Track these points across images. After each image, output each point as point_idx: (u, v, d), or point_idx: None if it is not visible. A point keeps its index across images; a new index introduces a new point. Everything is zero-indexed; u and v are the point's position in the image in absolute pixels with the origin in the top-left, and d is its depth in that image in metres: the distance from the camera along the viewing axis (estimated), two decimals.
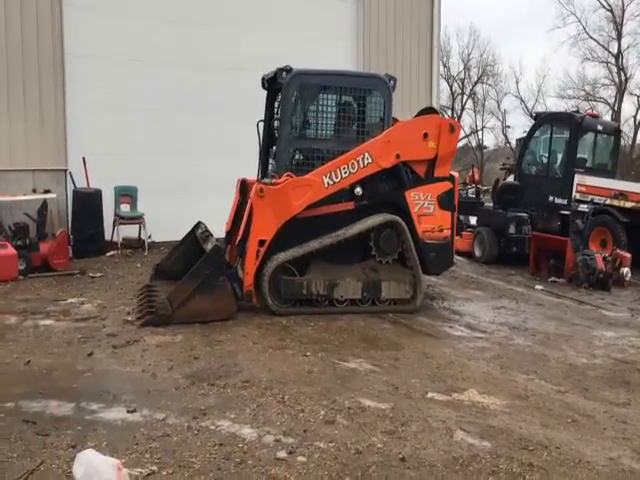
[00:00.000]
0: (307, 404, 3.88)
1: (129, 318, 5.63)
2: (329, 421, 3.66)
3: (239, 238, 6.09)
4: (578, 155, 10.04)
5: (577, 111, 10.96)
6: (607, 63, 33.32)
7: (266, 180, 6.27)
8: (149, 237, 9.10)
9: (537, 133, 10.81)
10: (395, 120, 6.70)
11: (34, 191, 8.47)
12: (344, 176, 6.12)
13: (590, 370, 4.87)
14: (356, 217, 6.24)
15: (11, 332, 5.21)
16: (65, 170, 8.89)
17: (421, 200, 6.41)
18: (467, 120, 37.10)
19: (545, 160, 10.59)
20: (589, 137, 10.37)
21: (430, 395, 4.15)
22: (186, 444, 3.32)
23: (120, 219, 8.89)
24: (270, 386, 4.14)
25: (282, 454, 3.24)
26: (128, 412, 3.68)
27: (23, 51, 8.51)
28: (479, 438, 3.53)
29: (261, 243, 5.87)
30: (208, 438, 3.38)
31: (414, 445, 3.41)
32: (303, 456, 3.22)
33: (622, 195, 9.54)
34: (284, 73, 6.30)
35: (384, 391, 4.17)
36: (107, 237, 8.91)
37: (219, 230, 6.77)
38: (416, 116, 6.78)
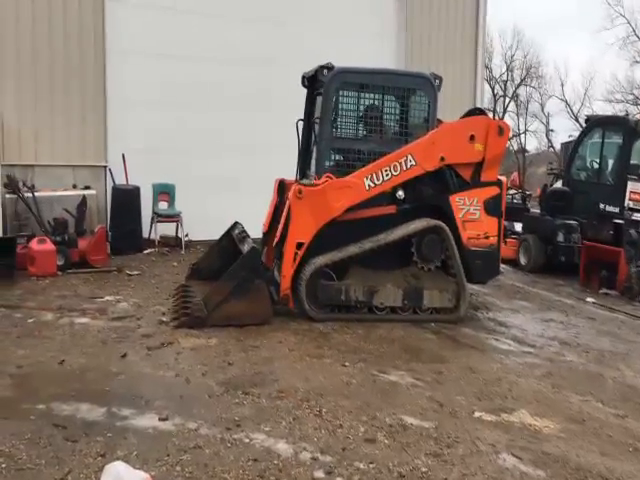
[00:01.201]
0: (346, 419, 3.67)
1: (164, 319, 5.54)
2: (369, 439, 3.45)
3: (276, 240, 5.93)
4: (632, 161, 9.50)
5: (627, 115, 10.41)
6: None
7: (305, 181, 6.09)
8: (186, 235, 9.06)
9: (588, 137, 10.30)
10: (439, 121, 6.43)
11: (74, 187, 8.52)
12: (386, 178, 5.90)
13: None
14: (398, 221, 6.00)
15: (47, 329, 5.18)
16: (105, 166, 8.92)
17: (466, 205, 6.13)
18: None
19: (596, 166, 10.08)
20: None
21: (477, 414, 3.88)
22: (219, 458, 3.15)
23: (158, 217, 8.87)
24: (307, 397, 3.95)
25: (319, 474, 3.04)
26: (160, 420, 3.54)
27: (65, 46, 8.57)
28: (532, 466, 3.26)
29: (299, 246, 5.69)
30: (242, 452, 3.21)
31: (461, 470, 3.16)
32: (342, 477, 3.02)
33: None
34: (325, 71, 6.11)
35: (428, 408, 3.93)
36: (145, 235, 8.91)
37: (256, 231, 6.63)
38: (463, 117, 6.49)
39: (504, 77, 36.57)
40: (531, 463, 3.29)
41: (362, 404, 3.91)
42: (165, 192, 9.08)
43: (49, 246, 7.12)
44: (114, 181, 8.85)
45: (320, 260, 5.74)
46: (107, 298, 6.26)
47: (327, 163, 6.21)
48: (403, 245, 6.00)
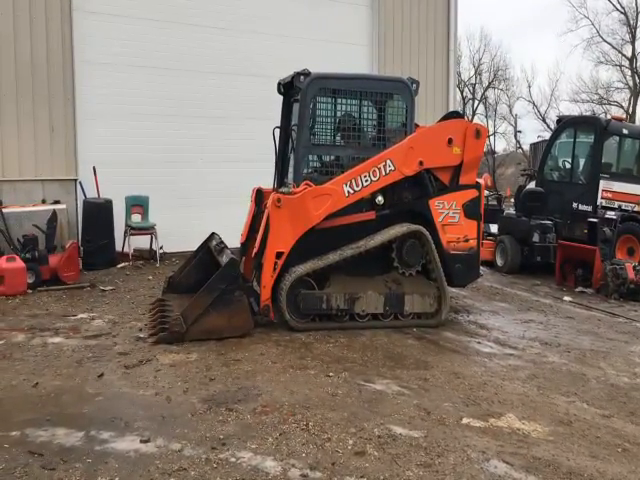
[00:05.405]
0: (334, 432, 3.59)
1: (141, 335, 5.38)
2: (359, 452, 3.37)
3: (255, 250, 5.82)
4: (603, 160, 9.67)
5: (594, 115, 10.59)
6: (621, 66, 33.00)
7: (284, 189, 6.00)
8: (161, 248, 8.89)
9: (560, 137, 10.45)
10: (417, 126, 6.42)
11: (44, 202, 8.28)
12: (365, 184, 5.86)
13: (634, 391, 4.53)
14: (378, 227, 5.97)
15: (19, 351, 4.98)
16: (75, 180, 8.71)
17: (446, 209, 6.13)
18: None
19: (568, 165, 10.23)
20: (615, 141, 9.99)
21: (465, 421, 3.84)
22: None
23: (131, 230, 8.68)
24: (292, 411, 3.85)
25: None
26: (141, 442, 3.41)
27: (32, 58, 8.34)
28: (524, 472, 3.22)
29: (278, 255, 5.61)
30: (229, 473, 3.10)
31: None
32: None
33: None
34: (302, 77, 6.05)
35: (415, 416, 3.87)
36: (118, 248, 8.70)
37: (232, 241, 6.52)
38: (440, 121, 6.50)
39: (472, 80, 37.17)
40: (523, 469, 3.25)
41: (349, 415, 3.83)
42: (138, 204, 8.90)
43: (19, 264, 6.89)
44: (85, 195, 8.64)
45: (300, 269, 5.66)
46: (81, 316, 6.07)
47: (305, 170, 6.14)
48: (384, 251, 5.97)
